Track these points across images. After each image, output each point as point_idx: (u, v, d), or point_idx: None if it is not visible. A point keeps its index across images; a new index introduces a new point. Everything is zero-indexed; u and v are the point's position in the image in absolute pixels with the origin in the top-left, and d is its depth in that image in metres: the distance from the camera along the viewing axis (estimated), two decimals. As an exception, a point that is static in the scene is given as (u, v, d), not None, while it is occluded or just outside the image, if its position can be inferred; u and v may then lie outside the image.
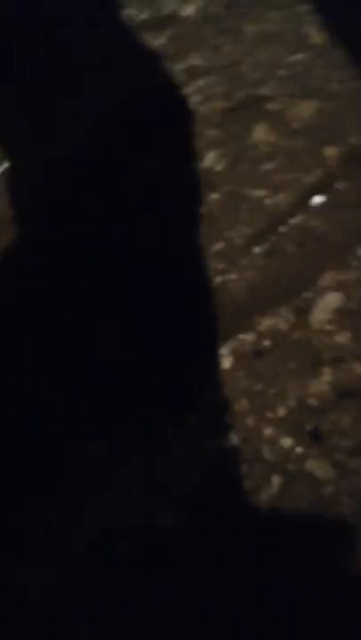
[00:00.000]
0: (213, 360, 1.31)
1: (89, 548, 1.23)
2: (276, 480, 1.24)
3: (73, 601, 1.21)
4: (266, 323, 1.31)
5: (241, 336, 1.31)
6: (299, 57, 1.54)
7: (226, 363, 1.30)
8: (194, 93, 1.48)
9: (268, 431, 1.26)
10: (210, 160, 1.44)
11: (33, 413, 1.32)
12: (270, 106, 1.46)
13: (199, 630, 1.14)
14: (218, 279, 1.38)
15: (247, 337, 1.31)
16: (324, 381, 1.22)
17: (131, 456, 1.26)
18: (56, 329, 1.38)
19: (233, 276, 1.38)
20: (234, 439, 1.27)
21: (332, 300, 1.25)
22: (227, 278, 1.39)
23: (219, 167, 1.44)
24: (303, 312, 1.26)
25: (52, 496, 1.28)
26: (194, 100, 1.48)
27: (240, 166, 1.44)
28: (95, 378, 1.34)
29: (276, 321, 1.29)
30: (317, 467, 1.21)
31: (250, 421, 1.27)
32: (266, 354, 1.30)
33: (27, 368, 1.35)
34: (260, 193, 1.42)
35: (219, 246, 1.41)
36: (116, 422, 1.32)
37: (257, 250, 1.40)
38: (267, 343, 1.30)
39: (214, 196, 1.43)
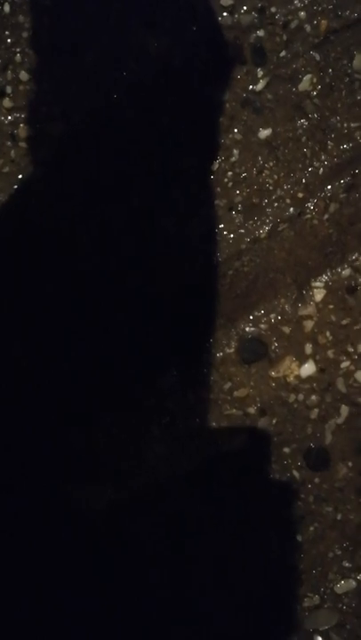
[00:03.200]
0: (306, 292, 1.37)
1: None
2: (344, 410, 1.35)
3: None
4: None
5: (335, 270, 1.37)
6: None
7: (318, 295, 1.36)
8: (300, 9, 1.41)
9: (345, 364, 1.35)
10: (306, 84, 1.40)
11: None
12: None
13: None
14: (297, 209, 1.40)
15: (342, 271, 1.37)
16: None
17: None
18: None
19: (313, 207, 1.40)
20: (311, 369, 1.35)
21: None
22: (307, 207, 1.40)
23: (313, 92, 1.40)
24: None
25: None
26: (300, 15, 1.40)
27: (334, 94, 1.41)
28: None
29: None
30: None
31: (330, 353, 1.35)
32: (359, 290, 1.36)
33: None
34: (350, 124, 1.41)
35: (300, 174, 1.40)
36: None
37: (339, 183, 1.41)
38: (361, 280, 1.35)
39: (303, 121, 1.41)
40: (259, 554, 1.31)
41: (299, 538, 1.33)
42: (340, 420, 1.34)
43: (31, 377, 1.35)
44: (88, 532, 1.30)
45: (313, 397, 1.35)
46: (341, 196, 1.39)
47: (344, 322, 1.36)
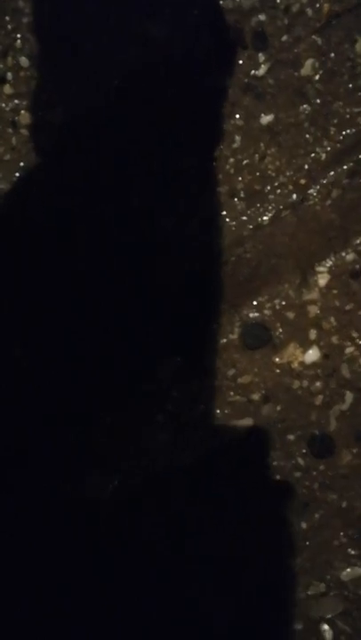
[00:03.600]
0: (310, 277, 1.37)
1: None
2: (348, 397, 1.35)
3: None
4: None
5: (339, 255, 1.36)
6: None
7: (322, 280, 1.36)
8: (301, -8, 1.40)
9: (349, 350, 1.35)
10: (307, 68, 1.39)
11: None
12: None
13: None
14: (299, 195, 1.39)
15: (346, 256, 1.37)
16: None
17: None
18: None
19: (316, 193, 1.39)
20: (316, 355, 1.34)
21: None
22: (309, 194, 1.39)
23: (315, 77, 1.40)
24: None
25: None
26: None
27: (336, 79, 1.40)
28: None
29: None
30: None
31: (335, 339, 1.35)
32: (363, 274, 1.35)
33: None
34: (352, 109, 1.40)
35: (303, 160, 1.40)
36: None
37: (341, 168, 1.40)
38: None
39: (305, 107, 1.40)
40: (262, 545, 1.31)
41: (303, 525, 1.32)
42: (344, 407, 1.33)
43: (31, 377, 1.35)
44: (88, 531, 1.30)
45: (317, 384, 1.34)
46: (344, 181, 1.38)
47: (348, 307, 1.35)
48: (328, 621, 1.31)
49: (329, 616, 1.31)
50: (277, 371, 1.35)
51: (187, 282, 1.38)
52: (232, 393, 1.35)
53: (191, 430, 1.34)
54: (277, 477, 1.33)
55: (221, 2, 1.39)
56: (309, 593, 1.31)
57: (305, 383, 1.34)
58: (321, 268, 1.35)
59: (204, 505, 1.32)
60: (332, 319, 1.34)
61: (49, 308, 1.37)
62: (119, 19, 1.40)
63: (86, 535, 1.30)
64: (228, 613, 1.29)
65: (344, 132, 1.39)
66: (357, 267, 1.35)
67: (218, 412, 1.35)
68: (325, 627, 1.30)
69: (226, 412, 1.35)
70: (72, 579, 1.29)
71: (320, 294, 1.35)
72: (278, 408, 1.35)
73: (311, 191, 1.39)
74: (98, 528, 1.31)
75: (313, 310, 1.35)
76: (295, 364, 1.35)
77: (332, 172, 1.39)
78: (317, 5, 1.39)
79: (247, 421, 1.34)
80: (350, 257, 1.35)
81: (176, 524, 1.31)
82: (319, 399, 1.34)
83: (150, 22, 1.39)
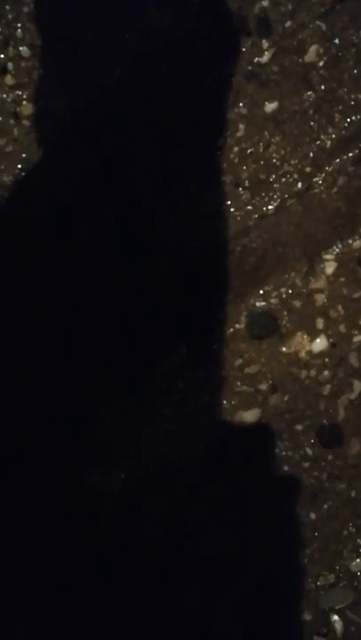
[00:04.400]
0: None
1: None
2: (357, 386, 1.34)
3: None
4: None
5: (346, 242, 1.35)
6: None
7: (329, 268, 1.35)
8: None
9: (358, 338, 1.34)
10: (312, 55, 1.38)
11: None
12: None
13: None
14: (305, 183, 1.38)
15: (353, 243, 1.36)
16: None
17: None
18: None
19: (321, 181, 1.38)
20: (323, 344, 1.34)
21: None
22: (315, 182, 1.39)
23: (319, 63, 1.38)
24: None
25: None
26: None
27: (341, 65, 1.39)
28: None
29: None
30: None
31: (342, 327, 1.34)
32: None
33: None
34: (357, 96, 1.39)
35: (308, 148, 1.39)
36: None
37: (347, 156, 1.39)
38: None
39: (309, 94, 1.39)
40: (270, 537, 1.31)
41: (312, 516, 1.31)
42: (352, 396, 1.33)
43: (31, 377, 1.34)
44: (88, 531, 1.29)
45: (325, 373, 1.34)
46: (350, 168, 1.37)
47: (356, 295, 1.34)
48: (338, 612, 1.30)
49: (339, 607, 1.30)
50: (285, 360, 1.34)
51: (192, 273, 1.37)
52: (239, 383, 1.34)
53: (197, 421, 1.34)
54: (285, 468, 1.32)
55: (224, -12, 1.38)
56: (319, 584, 1.31)
57: (313, 373, 1.34)
58: (328, 256, 1.34)
59: (209, 498, 1.32)
60: (340, 307, 1.34)
61: (49, 305, 1.37)
62: (120, 7, 1.39)
63: (86, 535, 1.30)
64: (228, 613, 1.28)
65: (349, 119, 1.38)
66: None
67: (225, 402, 1.34)
68: (335, 617, 1.30)
69: (233, 402, 1.34)
70: (72, 579, 1.28)
71: (327, 282, 1.34)
72: (286, 398, 1.34)
73: (317, 179, 1.38)
74: (98, 528, 1.30)
75: (320, 299, 1.34)
76: (303, 354, 1.34)
77: (337, 160, 1.38)
78: (321, -10, 1.38)
79: (255, 412, 1.33)
80: (357, 244, 1.35)
81: (177, 523, 1.31)
82: (327, 389, 1.33)
83: (152, 10, 1.38)
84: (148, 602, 1.28)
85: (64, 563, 1.28)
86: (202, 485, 1.32)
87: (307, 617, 1.30)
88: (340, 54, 1.38)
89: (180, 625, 1.28)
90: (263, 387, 1.35)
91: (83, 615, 1.28)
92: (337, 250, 1.35)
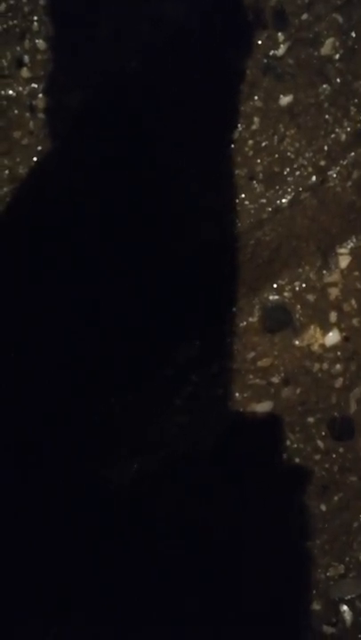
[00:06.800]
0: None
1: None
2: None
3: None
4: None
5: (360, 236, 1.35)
6: None
7: (343, 262, 1.35)
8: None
9: (370, 332, 1.34)
10: (328, 47, 1.38)
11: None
12: None
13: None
14: (319, 177, 1.38)
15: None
16: None
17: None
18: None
19: (336, 174, 1.38)
20: (336, 337, 1.34)
21: None
22: (329, 175, 1.38)
23: (335, 56, 1.38)
24: None
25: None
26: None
27: (357, 58, 1.38)
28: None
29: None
30: None
31: (355, 321, 1.34)
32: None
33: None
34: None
35: (322, 142, 1.38)
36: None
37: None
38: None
39: (325, 87, 1.39)
40: (279, 528, 1.32)
41: (323, 508, 1.32)
42: (365, 390, 1.33)
43: (31, 377, 1.35)
44: (88, 531, 1.30)
45: (337, 366, 1.34)
46: (365, 162, 1.37)
47: (372, 291, 1.35)
48: (347, 602, 1.31)
49: (348, 597, 1.31)
50: (297, 354, 1.35)
51: (205, 265, 1.37)
52: (252, 376, 1.35)
53: (209, 413, 1.35)
54: (297, 460, 1.33)
55: (241, -20, 1.38)
56: (329, 574, 1.32)
57: (325, 366, 1.34)
58: (342, 250, 1.35)
59: (219, 491, 1.32)
60: (353, 301, 1.34)
61: (50, 305, 1.37)
62: (123, 1, 1.39)
63: (86, 535, 1.31)
64: (235, 609, 1.29)
65: (365, 112, 1.38)
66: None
67: (237, 394, 1.35)
68: (345, 607, 1.31)
69: (245, 395, 1.35)
70: (72, 579, 1.30)
71: (341, 276, 1.34)
72: (298, 391, 1.35)
73: (331, 172, 1.38)
74: (98, 528, 1.31)
75: (334, 292, 1.35)
76: (315, 347, 1.35)
77: (352, 153, 1.37)
78: (338, -18, 1.37)
79: (267, 404, 1.34)
80: None
81: (183, 518, 1.31)
82: (340, 382, 1.34)
83: (167, 2, 1.38)
84: (148, 601, 1.30)
85: (64, 563, 1.30)
86: (211, 478, 1.33)
87: (316, 607, 1.31)
88: (356, 47, 1.37)
89: (180, 625, 1.29)
90: (276, 379, 1.36)
91: (83, 615, 1.29)
92: (351, 244, 1.35)
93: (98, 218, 1.38)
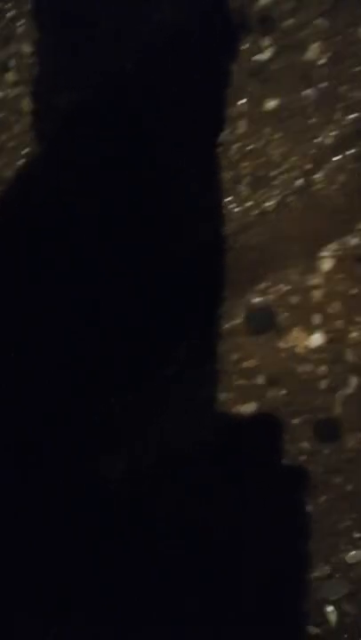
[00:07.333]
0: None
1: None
2: (353, 381, 1.35)
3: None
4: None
5: (344, 239, 1.36)
6: None
7: (326, 264, 1.36)
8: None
9: (354, 334, 1.35)
10: (313, 52, 1.39)
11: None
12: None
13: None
14: (305, 180, 1.39)
15: (351, 240, 1.36)
16: None
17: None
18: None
19: (321, 178, 1.39)
20: (320, 339, 1.35)
21: None
22: (315, 179, 1.39)
23: (320, 61, 1.39)
24: None
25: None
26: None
27: (342, 63, 1.39)
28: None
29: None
30: None
31: (339, 324, 1.35)
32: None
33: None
34: (358, 93, 1.40)
35: (308, 146, 1.40)
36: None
37: (348, 152, 1.40)
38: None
39: (310, 91, 1.40)
40: (279, 528, 1.32)
41: (310, 509, 1.33)
42: (349, 391, 1.34)
43: (31, 377, 1.35)
44: (88, 531, 1.31)
45: (322, 368, 1.35)
46: (350, 166, 1.38)
47: (353, 291, 1.35)
48: (333, 603, 1.32)
49: (334, 598, 1.32)
50: (282, 355, 1.36)
51: (190, 269, 1.38)
52: (237, 377, 1.36)
53: (195, 415, 1.35)
54: (283, 461, 1.34)
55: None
56: (315, 575, 1.32)
57: (310, 367, 1.35)
58: (326, 253, 1.35)
59: (207, 492, 1.33)
60: (337, 304, 1.35)
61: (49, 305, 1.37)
62: (120, 3, 1.40)
63: (86, 535, 1.31)
64: (232, 609, 1.30)
65: (349, 117, 1.39)
66: (362, 251, 1.36)
67: (223, 395, 1.36)
68: (330, 608, 1.31)
69: (231, 396, 1.36)
70: (72, 579, 1.30)
71: (325, 279, 1.35)
72: (283, 392, 1.36)
73: (317, 176, 1.39)
74: (98, 528, 1.32)
75: (317, 295, 1.35)
76: (300, 349, 1.35)
77: (337, 157, 1.38)
78: (323, -12, 1.38)
79: (252, 405, 1.35)
80: (355, 241, 1.35)
81: (179, 519, 1.32)
82: (324, 384, 1.34)
83: (152, 6, 1.39)
84: (148, 602, 1.30)
85: (64, 563, 1.30)
86: (211, 478, 1.33)
87: (303, 608, 1.32)
88: (341, 52, 1.39)
89: (180, 625, 1.29)
90: (261, 381, 1.36)
91: (83, 615, 1.30)
92: (335, 246, 1.36)
93: (96, 218, 1.39)
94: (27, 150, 1.39)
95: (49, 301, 1.37)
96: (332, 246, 1.36)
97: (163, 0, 1.39)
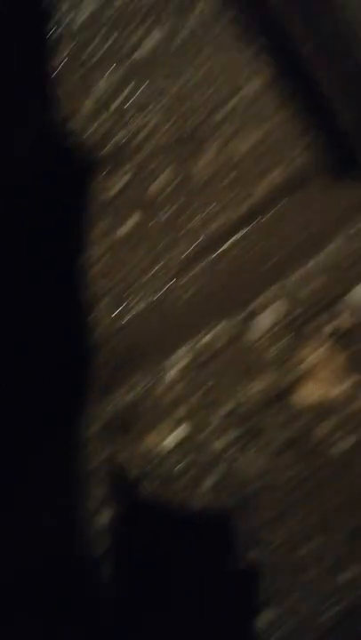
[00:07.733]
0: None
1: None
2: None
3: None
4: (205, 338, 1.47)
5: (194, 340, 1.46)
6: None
7: (183, 361, 1.44)
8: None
9: (214, 424, 1.43)
10: (159, 184, 1.58)
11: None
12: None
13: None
14: (156, 296, 1.55)
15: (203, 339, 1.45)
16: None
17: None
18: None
19: (176, 289, 1.56)
20: (184, 432, 1.43)
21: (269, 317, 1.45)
22: (165, 296, 1.56)
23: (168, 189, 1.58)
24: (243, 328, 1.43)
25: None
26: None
27: (186, 188, 1.58)
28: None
29: (216, 335, 1.44)
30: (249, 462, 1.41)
31: (201, 414, 1.43)
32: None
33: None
34: (203, 213, 1.58)
35: (157, 266, 1.56)
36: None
37: (196, 268, 1.57)
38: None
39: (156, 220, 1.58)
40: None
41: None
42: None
43: (31, 377, 1.37)
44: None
45: (187, 459, 1.43)
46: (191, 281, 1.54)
47: (210, 383, 1.44)
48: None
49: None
50: (146, 451, 1.43)
51: (63, 364, 1.46)
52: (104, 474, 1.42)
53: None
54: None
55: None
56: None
57: (176, 459, 1.43)
58: (182, 350, 1.46)
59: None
60: (194, 398, 1.45)
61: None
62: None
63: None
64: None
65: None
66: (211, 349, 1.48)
67: (94, 494, 1.40)
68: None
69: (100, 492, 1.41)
70: (72, 579, 1.28)
71: (180, 375, 1.46)
72: (151, 488, 1.42)
73: (174, 283, 1.55)
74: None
75: (177, 390, 1.45)
76: (164, 444, 1.43)
77: (191, 272, 1.56)
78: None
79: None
80: (205, 340, 1.46)
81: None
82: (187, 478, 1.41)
83: (15, 144, 1.52)
84: (148, 602, 1.28)
85: (64, 563, 1.28)
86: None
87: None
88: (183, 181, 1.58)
89: (180, 625, 1.28)
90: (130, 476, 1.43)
91: (83, 615, 1.27)
92: (188, 347, 1.48)
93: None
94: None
95: (49, 301, 1.42)
96: (189, 344, 1.47)
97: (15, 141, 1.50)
